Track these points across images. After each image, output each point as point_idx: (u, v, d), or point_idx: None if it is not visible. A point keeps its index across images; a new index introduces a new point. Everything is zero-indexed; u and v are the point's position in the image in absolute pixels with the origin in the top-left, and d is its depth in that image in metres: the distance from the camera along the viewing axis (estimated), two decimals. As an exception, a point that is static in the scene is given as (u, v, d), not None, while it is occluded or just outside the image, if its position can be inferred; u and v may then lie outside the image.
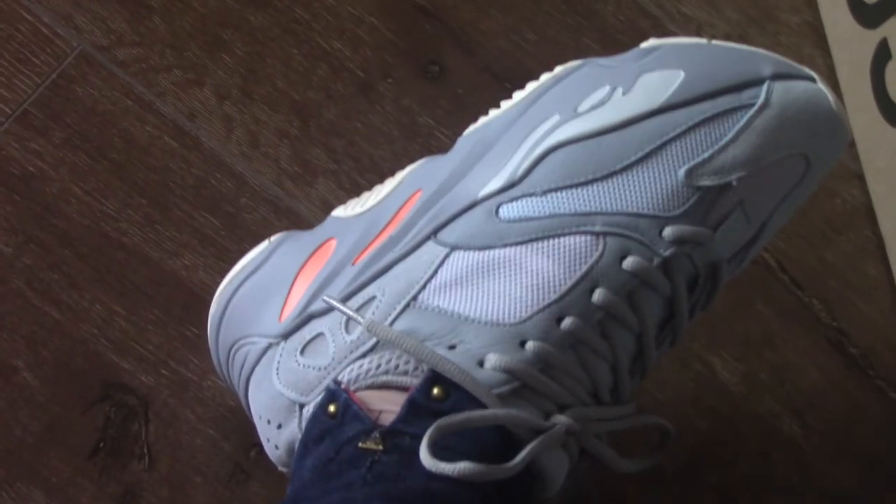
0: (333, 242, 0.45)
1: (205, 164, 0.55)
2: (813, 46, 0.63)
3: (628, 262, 0.40)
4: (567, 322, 0.40)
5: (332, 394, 0.40)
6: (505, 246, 0.41)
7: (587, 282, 0.40)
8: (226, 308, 0.46)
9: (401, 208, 0.44)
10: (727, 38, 0.62)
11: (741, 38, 0.62)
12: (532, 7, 0.61)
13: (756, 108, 0.42)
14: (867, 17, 0.59)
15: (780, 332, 0.59)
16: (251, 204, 0.55)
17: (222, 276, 0.53)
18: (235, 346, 0.45)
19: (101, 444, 0.51)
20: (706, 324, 0.58)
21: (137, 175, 0.55)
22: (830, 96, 0.43)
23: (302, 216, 0.55)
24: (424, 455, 0.36)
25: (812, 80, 0.43)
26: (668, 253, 0.41)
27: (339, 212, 0.47)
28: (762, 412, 0.58)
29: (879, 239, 0.61)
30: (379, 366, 0.40)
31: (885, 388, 0.59)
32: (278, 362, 0.43)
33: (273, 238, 0.47)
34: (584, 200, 0.41)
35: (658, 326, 0.42)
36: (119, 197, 0.54)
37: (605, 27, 0.61)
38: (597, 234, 0.41)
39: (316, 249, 0.45)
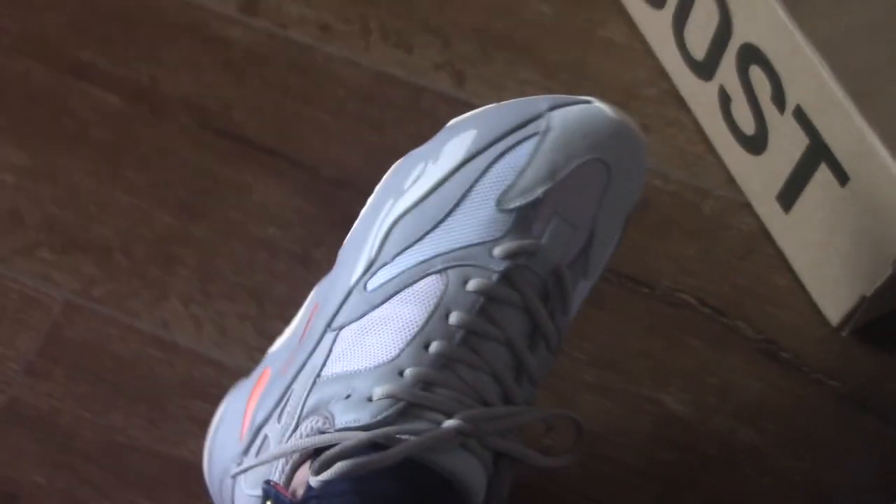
0: (269, 370, 0.54)
1: (186, 361, 0.65)
2: (676, 109, 0.72)
3: (471, 285, 0.49)
4: (433, 346, 0.48)
5: (266, 493, 0.48)
6: (374, 308, 0.50)
7: (441, 310, 0.49)
8: (210, 462, 0.55)
9: (308, 323, 0.54)
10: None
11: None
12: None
13: (540, 133, 0.51)
14: (703, 72, 0.68)
15: (715, 357, 0.66)
16: (232, 383, 0.64)
17: (224, 449, 0.62)
18: (221, 486, 0.54)
19: None
20: (648, 368, 0.65)
21: (132, 387, 0.64)
22: (607, 108, 0.52)
23: (278, 380, 0.64)
24: (310, 477, 0.44)
25: (588, 102, 0.52)
26: (502, 267, 0.49)
27: (270, 349, 0.56)
28: (719, 430, 0.65)
29: (780, 253, 0.68)
30: (302, 435, 0.48)
31: (823, 379, 0.66)
32: (244, 472, 0.51)
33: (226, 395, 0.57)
34: (423, 251, 0.50)
35: (527, 335, 0.50)
36: (121, 409, 0.63)
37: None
38: (440, 272, 0.50)
39: (258, 382, 0.54)
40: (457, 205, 0.51)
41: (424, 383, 0.48)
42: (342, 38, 0.74)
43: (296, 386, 0.51)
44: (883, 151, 0.56)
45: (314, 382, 0.50)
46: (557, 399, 0.65)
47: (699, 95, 0.70)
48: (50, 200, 0.68)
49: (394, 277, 0.50)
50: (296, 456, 0.47)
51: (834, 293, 0.65)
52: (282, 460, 0.49)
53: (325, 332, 0.51)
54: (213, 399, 0.64)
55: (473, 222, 0.50)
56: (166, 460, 0.63)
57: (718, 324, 0.67)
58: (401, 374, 0.48)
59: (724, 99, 0.67)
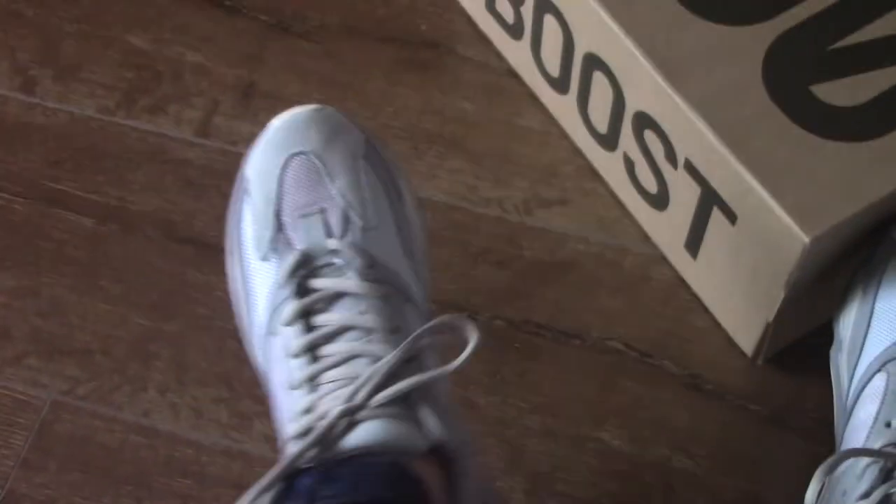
0: None
1: (166, 444, 0.71)
2: (591, 180, 0.80)
3: (285, 319, 0.56)
4: (295, 381, 0.55)
5: None
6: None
7: (287, 356, 0.56)
8: None
9: None
10: (525, 203, 0.79)
11: (536, 200, 0.79)
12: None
13: (244, 189, 0.60)
14: (608, 144, 0.76)
15: (645, 394, 0.73)
16: (210, 459, 0.70)
17: (207, 520, 0.68)
18: None
19: None
20: (586, 410, 0.72)
21: (119, 471, 0.70)
22: (283, 114, 0.60)
23: (251, 454, 0.70)
24: None
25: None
26: (294, 287, 0.56)
27: None
28: (656, 459, 0.71)
29: (696, 296, 0.76)
30: None
31: (745, 405, 0.72)
32: None
33: None
34: (255, 338, 0.60)
35: (357, 305, 0.56)
36: (111, 492, 0.70)
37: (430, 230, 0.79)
38: (269, 333, 0.57)
39: None
40: (246, 279, 0.60)
41: (306, 410, 0.53)
42: (289, 150, 0.82)
43: None
44: (759, 188, 0.64)
45: None
46: (506, 446, 0.71)
47: (609, 165, 0.78)
48: (34, 314, 0.76)
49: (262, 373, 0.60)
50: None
51: (744, 325, 0.72)
52: None
53: None
54: (194, 475, 0.70)
55: (258, 283, 0.58)
56: (154, 534, 0.69)
57: (646, 365, 0.74)
58: (292, 419, 0.54)
59: (629, 164, 0.75)
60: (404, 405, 0.53)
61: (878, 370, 0.62)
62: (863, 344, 0.64)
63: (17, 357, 0.74)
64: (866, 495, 0.56)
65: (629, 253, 0.78)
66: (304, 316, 0.56)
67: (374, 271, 0.57)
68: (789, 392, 0.73)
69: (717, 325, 0.75)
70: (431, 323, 0.54)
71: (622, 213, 0.79)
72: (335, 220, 0.58)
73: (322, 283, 0.56)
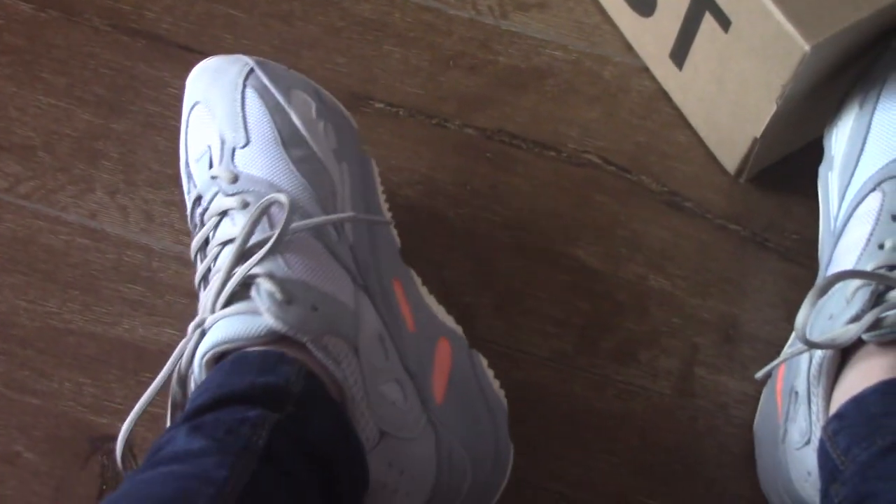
0: None
1: (115, 248, 0.67)
2: (572, -16, 0.75)
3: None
4: None
5: None
6: None
7: None
8: None
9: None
10: (501, 5, 0.74)
11: (513, 2, 0.74)
12: (334, 39, 0.73)
13: None
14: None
15: (622, 211, 0.69)
16: (162, 265, 0.67)
17: (158, 328, 0.65)
18: None
19: (104, 487, 0.62)
20: (560, 226, 0.69)
21: (65, 274, 0.66)
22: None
23: (206, 260, 0.66)
24: None
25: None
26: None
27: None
28: (631, 278, 0.68)
29: (678, 110, 0.72)
30: None
31: (725, 224, 0.69)
32: None
33: None
34: None
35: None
36: (56, 296, 0.66)
37: (399, 31, 0.73)
38: None
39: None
40: None
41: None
42: (247, -60, 0.76)
43: None
44: (759, -11, 0.60)
45: None
46: (475, 260, 0.68)
47: (593, -32, 0.73)
48: (-30, 106, 0.70)
49: None
50: None
51: (728, 142, 0.69)
52: None
53: None
54: (144, 282, 0.66)
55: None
56: (102, 340, 0.65)
57: (624, 180, 0.70)
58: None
59: (615, -35, 0.70)
60: (246, 301, 0.53)
61: (873, 189, 0.58)
62: (857, 161, 0.60)
63: (-48, 151, 0.69)
64: (856, 319, 0.53)
65: (609, 62, 0.73)
66: (204, 247, 0.57)
67: (236, 185, 0.57)
68: (771, 212, 0.70)
69: (700, 140, 0.71)
70: (249, 216, 0.54)
71: (604, 19, 0.74)
72: (216, 152, 0.59)
73: (207, 214, 0.57)
